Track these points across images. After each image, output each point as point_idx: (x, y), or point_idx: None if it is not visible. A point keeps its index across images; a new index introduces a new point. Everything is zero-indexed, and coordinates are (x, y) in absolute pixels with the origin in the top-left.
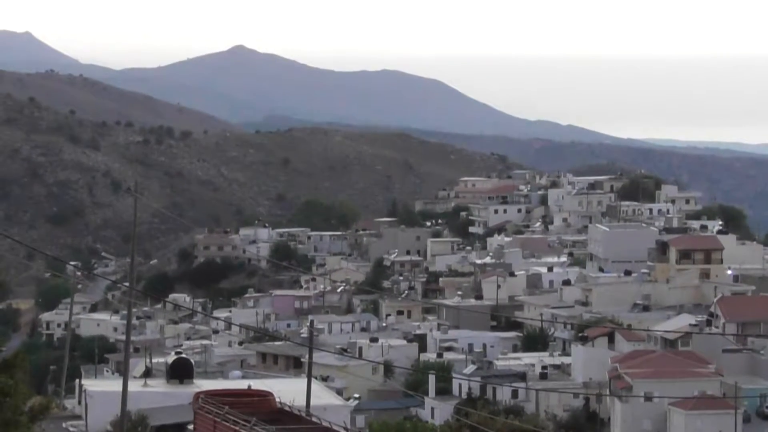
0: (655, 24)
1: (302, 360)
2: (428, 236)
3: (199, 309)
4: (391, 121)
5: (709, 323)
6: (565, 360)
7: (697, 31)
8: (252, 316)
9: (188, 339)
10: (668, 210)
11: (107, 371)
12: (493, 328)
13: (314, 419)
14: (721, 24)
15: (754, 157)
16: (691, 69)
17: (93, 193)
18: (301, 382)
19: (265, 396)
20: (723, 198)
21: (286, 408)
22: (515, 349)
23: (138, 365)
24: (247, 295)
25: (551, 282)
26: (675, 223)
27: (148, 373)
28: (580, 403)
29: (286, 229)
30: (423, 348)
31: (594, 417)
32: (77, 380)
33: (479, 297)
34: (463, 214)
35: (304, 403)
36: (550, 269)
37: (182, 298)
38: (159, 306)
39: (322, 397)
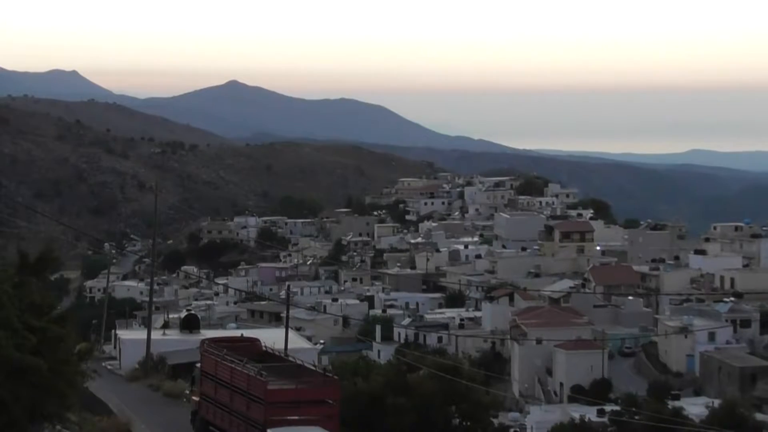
0: (541, 61)
1: (281, 315)
2: (375, 222)
3: (204, 277)
4: (347, 136)
5: (583, 286)
6: (477, 314)
7: (578, 67)
8: (243, 282)
9: (196, 300)
10: (553, 202)
11: (136, 324)
12: (424, 291)
13: (290, 359)
14: (596, 62)
15: (616, 162)
16: (572, 97)
17: (124, 191)
18: (280, 332)
19: (253, 341)
20: (593, 193)
21: (269, 350)
22: (440, 307)
23: (158, 320)
24: (239, 267)
25: (467, 256)
26: (558, 212)
27: (166, 326)
28: (489, 346)
29: (269, 218)
30: (372, 306)
31: (499, 356)
32: (113, 331)
33: (413, 267)
34: (401, 205)
35: (283, 347)
36: (466, 246)
37: (191, 269)
38: (174, 275)
39: (296, 342)
